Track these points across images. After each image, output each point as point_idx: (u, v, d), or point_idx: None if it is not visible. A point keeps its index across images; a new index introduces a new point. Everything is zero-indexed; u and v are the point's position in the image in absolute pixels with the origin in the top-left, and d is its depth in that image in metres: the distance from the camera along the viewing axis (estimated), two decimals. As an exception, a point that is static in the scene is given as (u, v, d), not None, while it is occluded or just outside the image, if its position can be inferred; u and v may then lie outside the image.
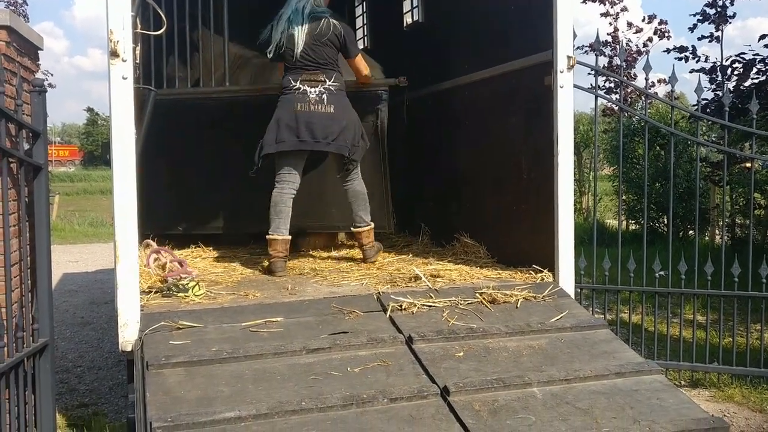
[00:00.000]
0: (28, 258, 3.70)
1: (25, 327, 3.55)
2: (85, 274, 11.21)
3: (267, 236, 4.82)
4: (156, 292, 4.12)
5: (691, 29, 10.80)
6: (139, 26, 4.51)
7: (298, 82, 4.80)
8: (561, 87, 4.23)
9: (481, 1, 5.32)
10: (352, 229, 5.11)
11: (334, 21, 4.85)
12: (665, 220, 12.47)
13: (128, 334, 3.60)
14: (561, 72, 4.23)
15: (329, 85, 4.80)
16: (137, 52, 4.37)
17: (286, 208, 4.85)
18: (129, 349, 3.60)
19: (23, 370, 3.51)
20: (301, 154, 4.89)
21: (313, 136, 4.76)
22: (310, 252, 5.71)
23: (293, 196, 4.90)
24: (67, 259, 12.67)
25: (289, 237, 4.84)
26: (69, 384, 5.64)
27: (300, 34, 4.77)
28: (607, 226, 13.82)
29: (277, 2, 7.62)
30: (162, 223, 5.77)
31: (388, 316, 3.81)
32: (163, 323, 3.57)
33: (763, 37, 9.31)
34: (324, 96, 4.78)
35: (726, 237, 9.25)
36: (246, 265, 5.19)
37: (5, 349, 3.28)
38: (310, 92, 4.77)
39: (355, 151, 4.89)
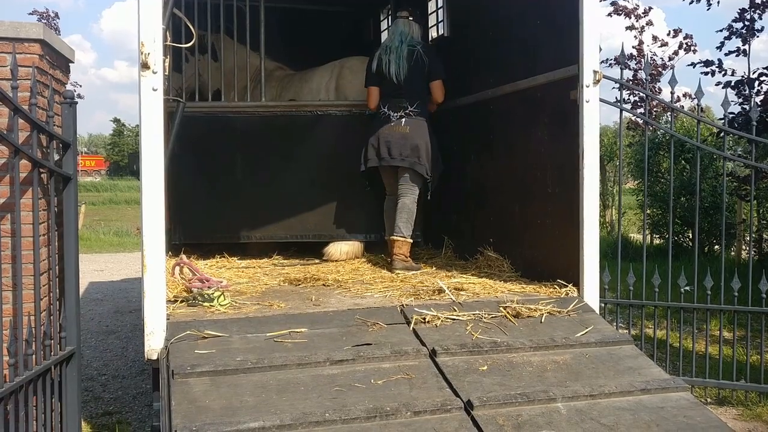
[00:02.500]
0: (57, 267, 3.76)
1: (53, 335, 3.61)
2: (111, 283, 11.34)
3: (386, 238, 5.66)
4: (182, 302, 4.16)
5: (719, 47, 10.72)
6: (169, 39, 4.59)
7: (386, 107, 5.49)
8: (587, 101, 4.22)
9: (507, 15, 5.33)
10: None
11: (423, 52, 5.48)
12: (690, 234, 12.35)
13: (154, 343, 3.63)
14: (587, 86, 4.21)
15: (410, 110, 5.42)
16: (167, 64, 4.45)
17: (390, 212, 5.60)
18: (155, 357, 3.63)
19: (50, 378, 3.56)
20: (390, 168, 5.56)
21: (389, 154, 5.41)
22: (335, 262, 5.76)
23: (397, 203, 5.52)
24: (93, 268, 12.83)
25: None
26: (94, 392, 5.70)
27: (394, 65, 5.44)
28: (632, 240, 13.72)
29: (294, 18, 7.77)
30: (189, 233, 5.87)
31: (411, 328, 3.81)
32: (188, 332, 3.60)
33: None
34: (403, 119, 5.41)
35: (753, 252, 9.13)
36: (270, 275, 5.23)
37: (33, 356, 3.34)
38: (393, 116, 5.44)
39: (426, 169, 5.42)
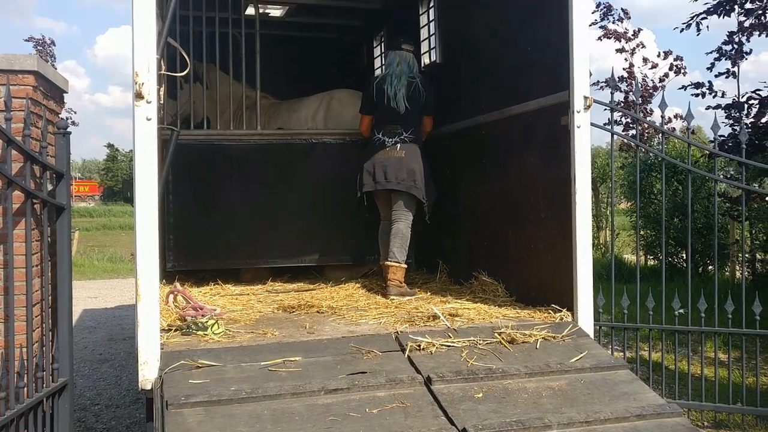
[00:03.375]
0: (50, 297, 3.75)
1: (45, 367, 3.58)
2: (104, 310, 11.28)
3: (380, 263, 5.63)
4: (176, 330, 4.14)
5: (710, 68, 10.86)
6: (164, 68, 4.61)
7: (380, 134, 5.58)
8: (578, 127, 4.25)
9: (498, 42, 5.38)
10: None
11: (422, 85, 5.62)
12: (684, 255, 12.37)
13: (148, 373, 3.60)
14: (578, 112, 4.25)
15: (405, 136, 5.54)
16: (161, 92, 4.48)
17: (385, 237, 5.61)
18: (149, 387, 3.60)
19: (42, 411, 3.53)
20: (385, 193, 5.60)
21: (385, 178, 5.48)
22: (329, 289, 5.76)
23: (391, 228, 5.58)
24: (87, 295, 12.77)
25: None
26: (86, 423, 5.65)
27: (393, 94, 5.56)
28: (625, 262, 13.73)
29: (280, 46, 7.89)
30: (182, 259, 5.87)
31: (406, 356, 3.80)
32: (183, 362, 3.58)
33: (779, 73, 9.33)
34: (398, 144, 5.52)
35: (746, 272, 9.15)
36: (264, 302, 5.21)
37: (25, 389, 3.31)
38: (388, 141, 5.54)
39: (422, 193, 5.50)
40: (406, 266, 5.50)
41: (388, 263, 5.42)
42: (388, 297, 5.22)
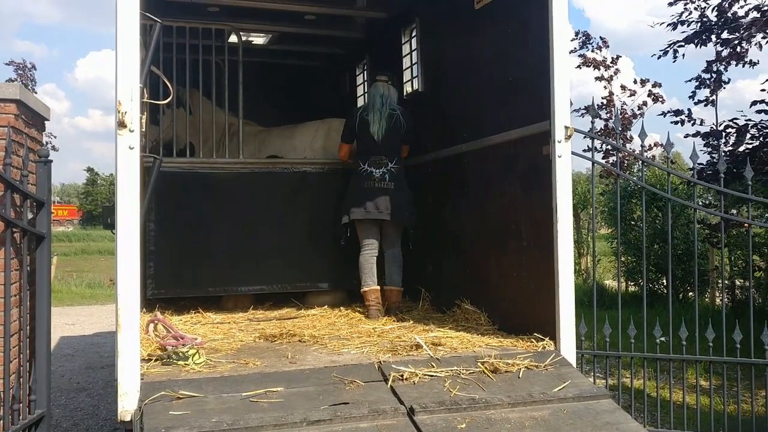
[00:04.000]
0: (28, 327, 3.69)
1: (22, 398, 3.52)
2: (82, 338, 11.12)
3: (361, 290, 5.81)
4: (156, 360, 4.09)
5: (691, 96, 11.06)
6: (146, 96, 4.61)
7: (366, 164, 5.79)
8: (559, 156, 4.30)
9: (480, 71, 5.45)
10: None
11: (402, 117, 5.86)
12: (664, 281, 12.45)
13: (128, 404, 3.55)
14: (559, 142, 4.30)
15: (391, 167, 5.79)
16: (143, 120, 4.47)
17: (369, 265, 5.83)
18: (128, 419, 3.55)
19: (19, 443, 3.46)
20: (370, 222, 5.84)
21: (376, 208, 5.74)
22: (311, 317, 5.74)
23: (375, 254, 5.88)
24: (64, 322, 12.58)
25: (378, 287, 5.79)
26: (63, 453, 5.54)
27: (376, 125, 5.78)
28: (607, 288, 13.79)
29: (264, 74, 7.99)
30: (163, 287, 5.82)
31: (389, 386, 3.78)
32: (163, 393, 3.53)
33: (754, 103, 9.52)
34: (386, 175, 5.76)
35: (726, 299, 9.23)
36: (245, 331, 5.17)
37: (1, 422, 3.25)
38: (375, 172, 5.76)
39: (410, 221, 5.84)
40: (401, 287, 5.94)
41: (393, 288, 5.87)
42: (391, 314, 5.68)
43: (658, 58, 11.18)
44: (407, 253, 5.95)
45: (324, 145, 6.64)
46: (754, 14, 9.64)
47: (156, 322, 4.65)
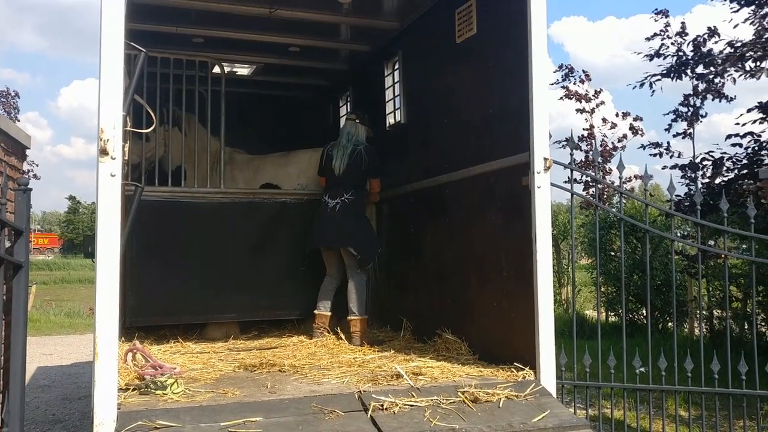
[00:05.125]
0: (2, 357, 3.64)
1: (-5, 429, 3.47)
2: (59, 368, 10.94)
3: (314, 311, 6.09)
4: (134, 390, 4.04)
5: (667, 129, 11.28)
6: (129, 124, 4.62)
7: (326, 196, 6.10)
8: (538, 187, 4.35)
9: (460, 103, 5.52)
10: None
11: (365, 152, 6.13)
12: (644, 311, 12.52)
13: (103, 435, 3.51)
14: (538, 173, 4.36)
15: (345, 198, 6.01)
16: (126, 149, 4.48)
17: (324, 291, 6.12)
18: (104, 450, 3.50)
19: (-9, 476, 3.40)
20: (329, 250, 6.10)
21: (324, 237, 6.01)
22: (291, 346, 5.72)
23: (333, 282, 6.16)
24: (42, 352, 12.39)
25: (327, 313, 6.06)
26: (37, 486, 5.43)
27: (338, 160, 6.09)
28: (587, 318, 13.84)
29: (249, 104, 8.11)
30: (141, 316, 5.80)
31: (369, 416, 3.76)
32: (140, 422, 3.49)
33: (729, 136, 9.72)
34: (338, 206, 5.99)
35: (705, 329, 9.30)
36: (225, 360, 5.13)
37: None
38: (330, 203, 6.04)
39: (361, 250, 5.95)
40: (366, 317, 6.01)
41: (351, 318, 5.93)
42: (353, 344, 5.77)
43: (634, 87, 11.42)
44: (387, 285, 6.01)
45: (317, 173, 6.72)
46: (729, 50, 9.88)
47: (135, 351, 4.60)
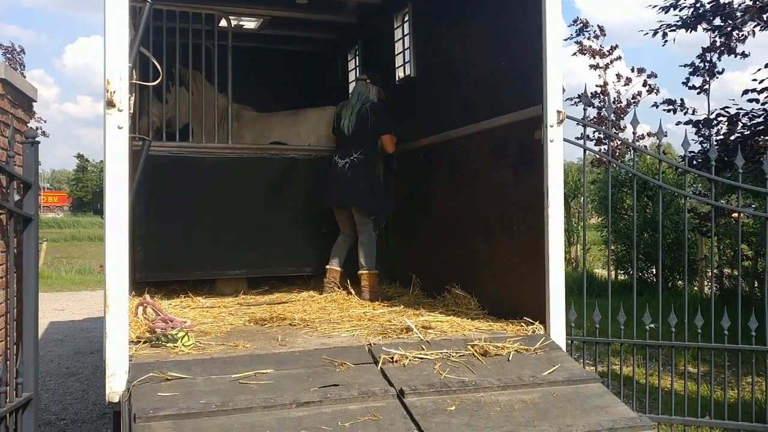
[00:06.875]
0: (15, 310, 3.66)
1: (9, 381, 3.49)
2: (72, 323, 11.08)
3: (326, 266, 6.13)
4: (145, 342, 4.07)
5: (685, 82, 11.05)
6: (135, 77, 4.57)
7: (336, 156, 6.11)
8: (551, 141, 4.28)
9: (472, 56, 5.42)
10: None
11: (371, 110, 6.07)
12: (654, 270, 12.51)
13: (116, 385, 3.53)
14: (551, 126, 4.29)
15: (354, 156, 5.99)
16: (132, 101, 4.42)
17: (337, 248, 6.16)
18: (116, 400, 3.53)
19: (5, 426, 3.44)
20: (341, 209, 6.13)
21: (334, 195, 6.03)
22: (302, 301, 5.74)
23: (348, 241, 6.18)
24: (54, 308, 12.54)
25: (339, 269, 6.09)
26: (52, 437, 5.53)
27: (347, 120, 6.10)
28: (596, 276, 13.85)
29: (256, 58, 7.98)
30: (152, 271, 5.81)
31: (379, 368, 3.77)
32: (151, 374, 3.52)
33: (746, 92, 9.53)
34: (347, 165, 5.99)
35: (715, 288, 9.28)
36: (236, 315, 5.15)
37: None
38: (339, 162, 6.04)
39: (369, 208, 5.98)
40: (376, 271, 6.02)
41: (362, 272, 5.95)
42: (363, 299, 5.79)
43: (645, 34, 11.11)
44: (396, 241, 5.96)
45: (327, 132, 6.67)
46: (748, 2, 9.62)
47: (145, 304, 4.61)
